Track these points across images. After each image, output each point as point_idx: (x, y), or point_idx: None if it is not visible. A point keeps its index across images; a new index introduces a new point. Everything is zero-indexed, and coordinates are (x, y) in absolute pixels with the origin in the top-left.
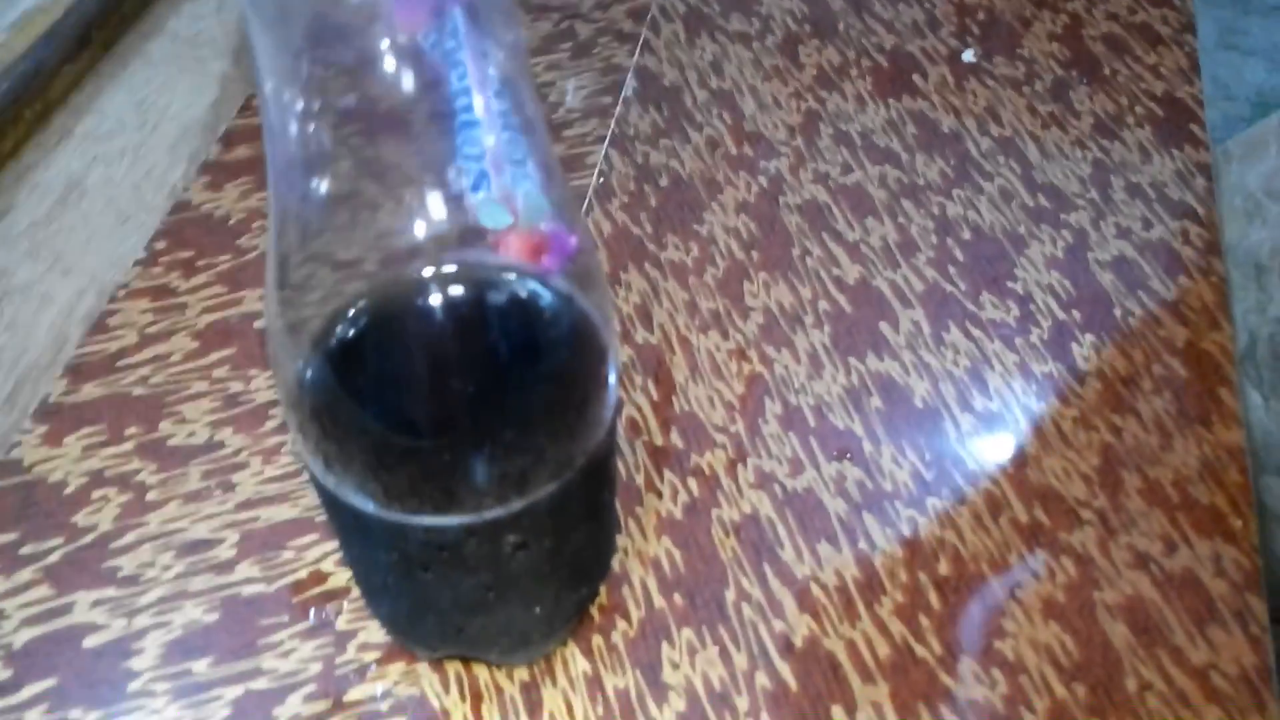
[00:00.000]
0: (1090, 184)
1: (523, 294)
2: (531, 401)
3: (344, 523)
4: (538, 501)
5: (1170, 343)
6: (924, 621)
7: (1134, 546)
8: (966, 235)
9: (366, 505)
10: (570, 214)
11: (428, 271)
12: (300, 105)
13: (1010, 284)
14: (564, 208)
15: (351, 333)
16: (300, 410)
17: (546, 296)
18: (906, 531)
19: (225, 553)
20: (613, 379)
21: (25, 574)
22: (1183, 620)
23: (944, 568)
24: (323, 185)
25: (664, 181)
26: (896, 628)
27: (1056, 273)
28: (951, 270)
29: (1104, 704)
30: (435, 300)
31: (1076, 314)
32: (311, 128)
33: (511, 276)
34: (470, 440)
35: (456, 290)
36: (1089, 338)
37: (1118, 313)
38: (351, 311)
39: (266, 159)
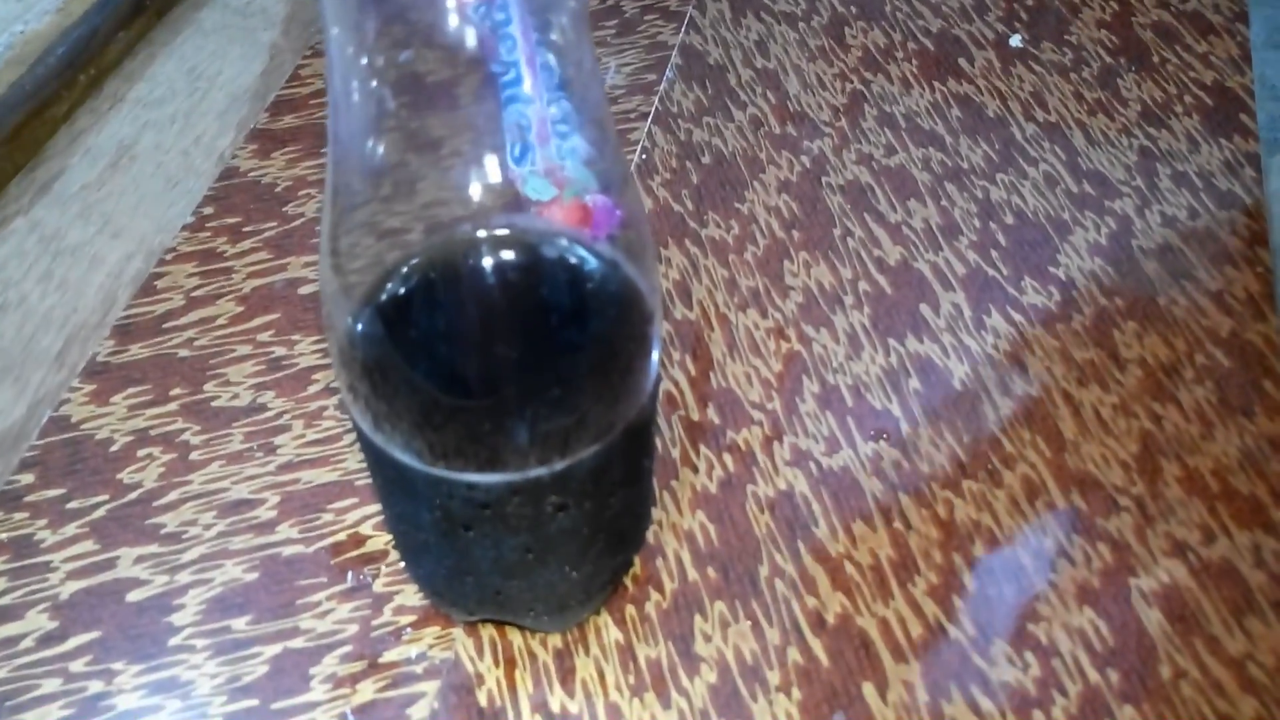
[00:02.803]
0: (1136, 172)
1: (571, 258)
2: (576, 363)
3: (388, 479)
4: (579, 463)
5: (1214, 332)
6: (957, 602)
7: (1172, 535)
8: (1009, 220)
9: (412, 462)
10: (620, 182)
11: (479, 234)
12: (360, 66)
13: (1052, 269)
14: (614, 177)
15: (403, 290)
16: (350, 366)
17: (594, 261)
18: (942, 513)
19: (266, 513)
20: (656, 345)
21: (71, 528)
22: (1220, 610)
23: (979, 549)
24: (379, 147)
25: (706, 159)
26: (930, 608)
27: (1100, 259)
28: (994, 254)
29: (1137, 691)
30: (485, 261)
31: (1119, 301)
32: (370, 89)
33: (561, 241)
34: (515, 399)
35: (506, 253)
36: (1131, 325)
37: (1161, 301)
38: (404, 270)
39: (329, 117)
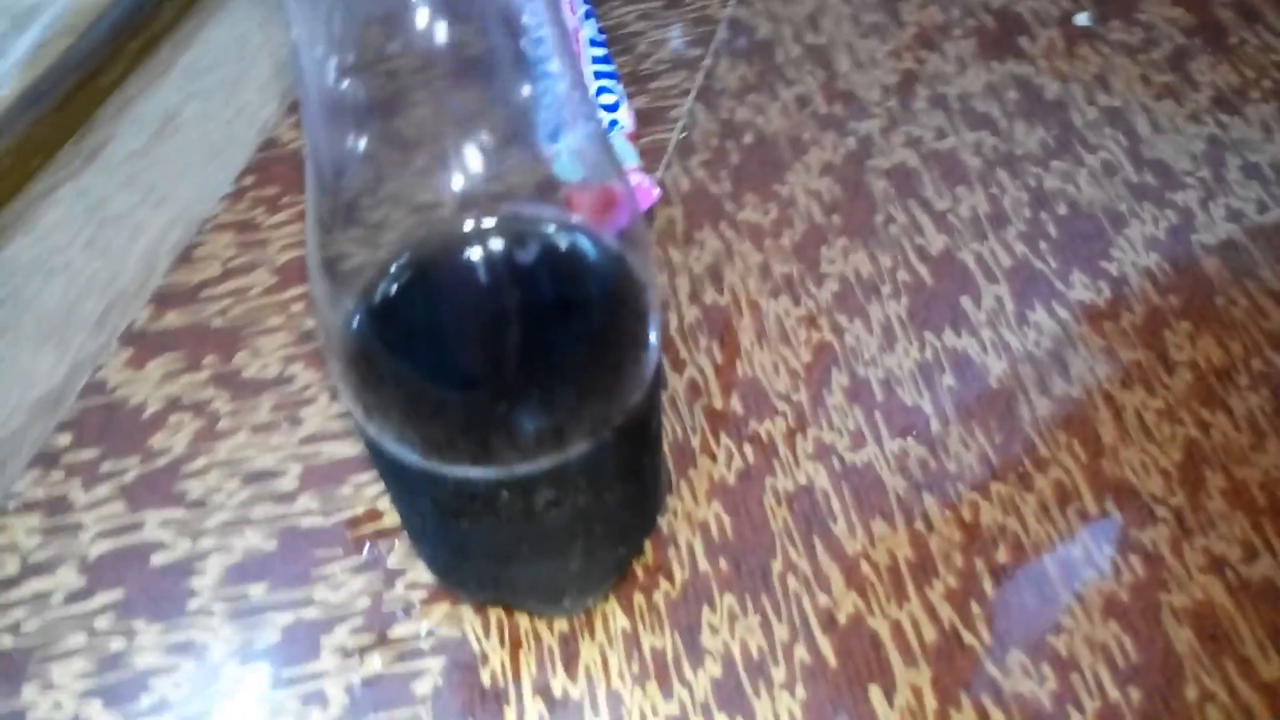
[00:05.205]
0: (1202, 161)
1: (565, 250)
2: (565, 358)
3: (382, 468)
4: (570, 460)
5: (1274, 336)
6: (975, 609)
7: (1210, 550)
8: (1062, 210)
9: (402, 453)
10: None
11: (469, 224)
12: (340, 44)
13: (1104, 264)
14: (618, 165)
15: (391, 283)
16: (341, 357)
17: (588, 254)
18: (967, 515)
19: (288, 484)
20: (653, 340)
21: (103, 490)
22: (1255, 631)
23: (1002, 555)
24: (363, 137)
25: (748, 139)
26: (946, 612)
27: (1156, 255)
28: (1043, 246)
29: (1159, 711)
30: (475, 253)
31: (1173, 299)
32: (356, 71)
33: (555, 232)
34: (502, 394)
35: (497, 244)
36: (1184, 325)
37: (1219, 301)
38: (392, 261)
39: (301, 106)
